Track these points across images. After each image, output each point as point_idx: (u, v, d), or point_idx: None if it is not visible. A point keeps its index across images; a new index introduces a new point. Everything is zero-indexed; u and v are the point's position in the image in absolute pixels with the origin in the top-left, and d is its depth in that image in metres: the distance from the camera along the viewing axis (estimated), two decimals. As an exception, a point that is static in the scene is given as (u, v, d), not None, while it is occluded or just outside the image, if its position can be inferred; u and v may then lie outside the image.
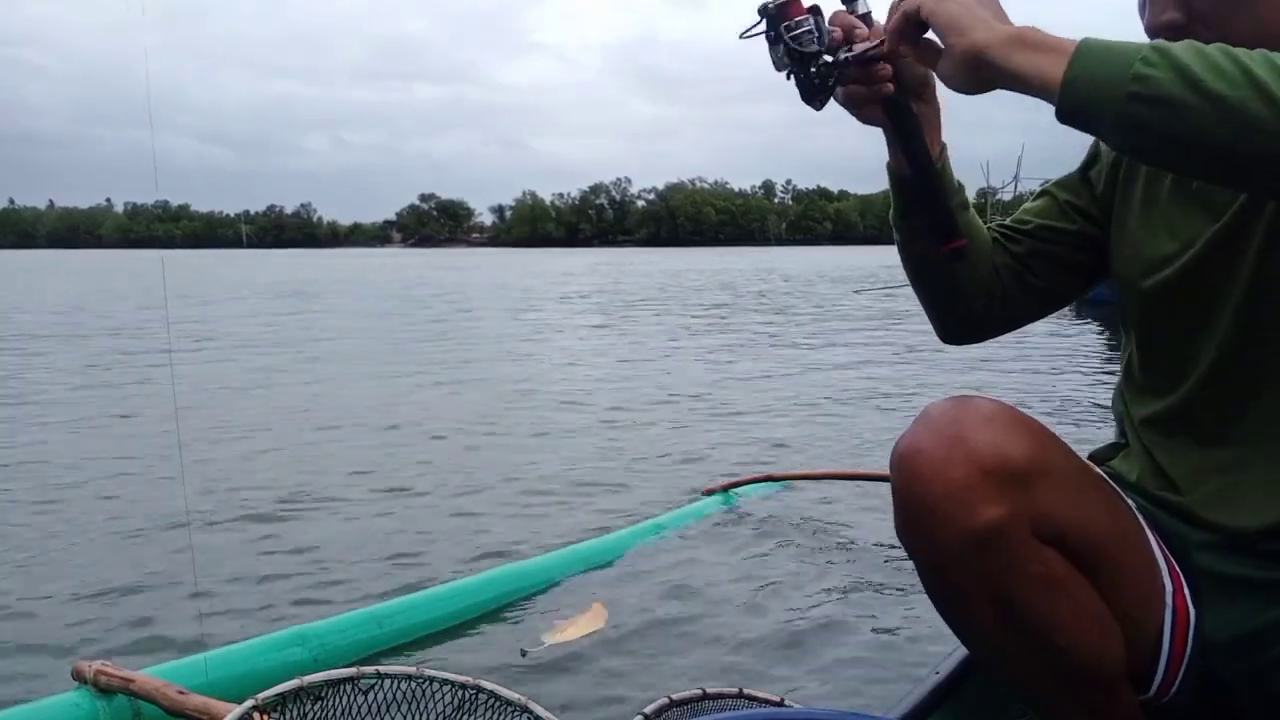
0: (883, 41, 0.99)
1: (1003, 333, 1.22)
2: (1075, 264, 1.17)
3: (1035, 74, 0.84)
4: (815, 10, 1.00)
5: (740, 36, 1.02)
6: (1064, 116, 0.84)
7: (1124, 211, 1.11)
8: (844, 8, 1.02)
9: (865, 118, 1.05)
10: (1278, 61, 0.77)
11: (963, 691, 1.37)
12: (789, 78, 1.01)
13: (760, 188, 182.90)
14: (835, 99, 1.03)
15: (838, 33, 1.00)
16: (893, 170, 1.10)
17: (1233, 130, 0.76)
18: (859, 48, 1.00)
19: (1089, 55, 0.82)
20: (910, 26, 0.95)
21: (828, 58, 1.00)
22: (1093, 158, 1.18)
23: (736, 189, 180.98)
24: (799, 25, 0.99)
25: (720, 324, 11.56)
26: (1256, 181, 0.82)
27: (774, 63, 1.01)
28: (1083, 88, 0.82)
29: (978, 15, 0.88)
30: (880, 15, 1.02)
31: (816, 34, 0.99)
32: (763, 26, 1.00)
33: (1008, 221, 1.20)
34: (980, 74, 0.88)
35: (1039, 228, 1.17)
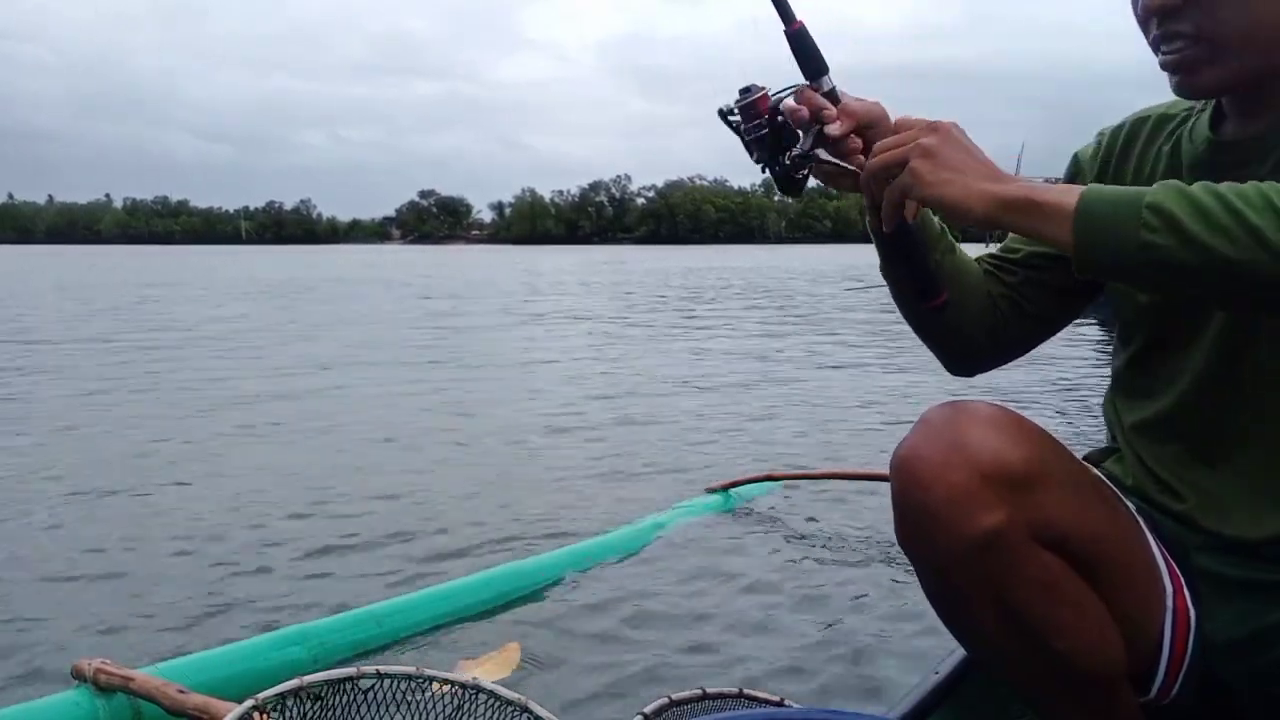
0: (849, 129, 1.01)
1: (1008, 361, 1.23)
2: (1070, 286, 1.16)
3: (1046, 237, 0.86)
4: (776, 110, 1.01)
5: (720, 116, 1.03)
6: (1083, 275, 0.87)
7: None
8: (808, 84, 1.02)
9: (840, 187, 1.06)
10: (1275, 202, 0.77)
11: (963, 691, 1.37)
12: (763, 170, 1.02)
13: (760, 186, 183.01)
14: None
15: (803, 112, 1.01)
16: (871, 228, 1.10)
17: (1242, 285, 0.80)
18: (831, 129, 1.01)
19: (1091, 222, 0.83)
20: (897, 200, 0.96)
21: (799, 149, 1.01)
22: (1073, 176, 1.18)
23: (736, 187, 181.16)
24: (762, 129, 1.01)
25: (720, 323, 11.55)
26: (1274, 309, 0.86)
27: (748, 152, 1.02)
28: (1095, 255, 0.84)
29: (971, 189, 0.88)
30: (844, 86, 1.03)
31: (783, 134, 1.01)
32: (737, 116, 1.02)
33: (997, 250, 1.20)
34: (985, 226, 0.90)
35: (1029, 255, 1.17)
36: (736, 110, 1.02)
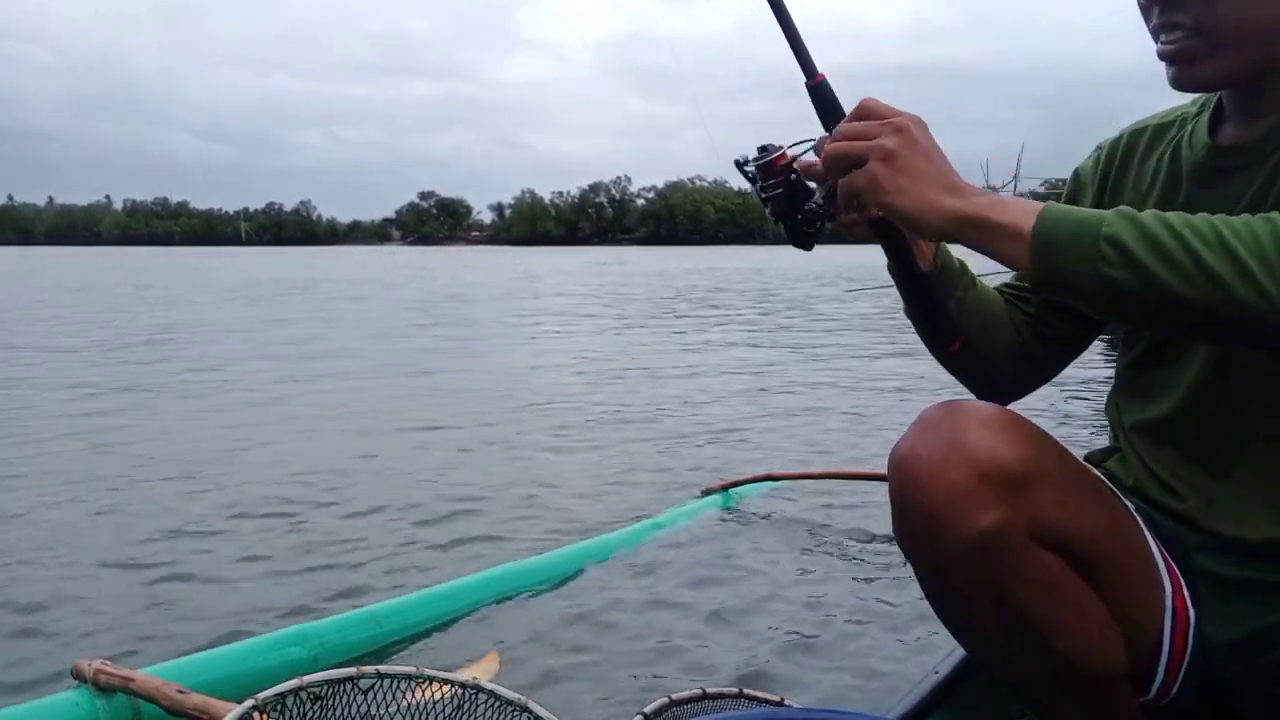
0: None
1: (1039, 385, 1.22)
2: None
3: (1003, 258, 0.86)
4: (790, 168, 1.01)
5: (736, 166, 1.03)
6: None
7: None
8: (826, 136, 1.00)
9: (856, 237, 1.06)
10: (1229, 242, 0.78)
11: (963, 691, 1.37)
12: (775, 223, 1.02)
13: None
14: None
15: (818, 166, 0.99)
16: (890, 271, 1.10)
17: (1195, 319, 0.81)
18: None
19: (1048, 251, 0.83)
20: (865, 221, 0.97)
21: (811, 204, 1.01)
22: (1074, 191, 1.18)
23: (736, 188, 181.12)
24: (776, 188, 1.00)
25: (720, 323, 11.55)
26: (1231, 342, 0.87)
27: (762, 204, 1.02)
28: (1051, 281, 0.84)
29: (929, 202, 0.87)
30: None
31: (797, 189, 1.01)
32: (751, 169, 1.02)
33: (1013, 280, 1.20)
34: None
35: None
36: (753, 166, 1.02)
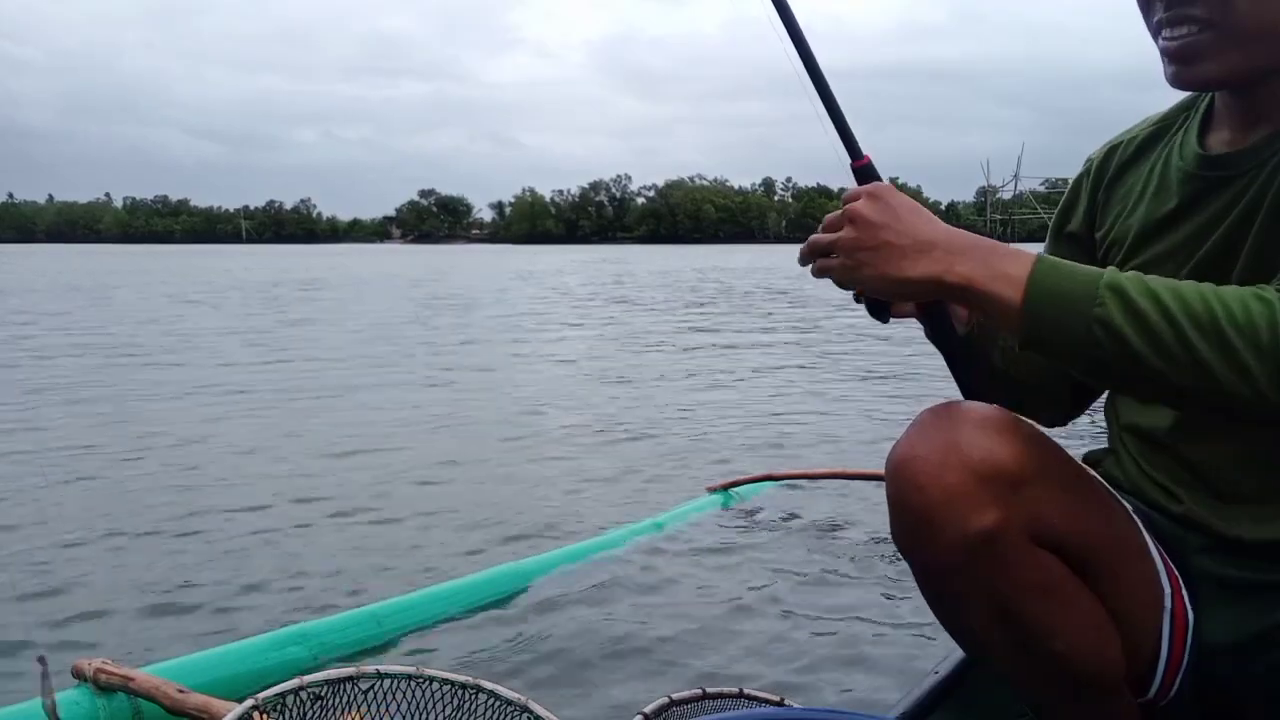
0: None
1: (1089, 404, 1.22)
2: None
3: (992, 322, 0.89)
4: None
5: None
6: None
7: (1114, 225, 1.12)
8: None
9: (899, 315, 1.07)
10: (1224, 329, 0.78)
11: (962, 691, 1.37)
12: (857, 300, 1.03)
13: (760, 185, 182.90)
14: None
15: None
16: (926, 335, 1.11)
17: (1184, 400, 0.84)
18: None
19: (1038, 326, 0.85)
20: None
21: None
22: (1069, 204, 1.18)
23: (736, 186, 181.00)
24: None
25: (719, 322, 11.55)
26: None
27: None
28: (1041, 350, 0.86)
29: (905, 278, 0.89)
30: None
31: None
32: None
33: None
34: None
35: None
36: None
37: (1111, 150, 1.15)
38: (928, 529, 0.88)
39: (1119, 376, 0.84)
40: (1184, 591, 1.00)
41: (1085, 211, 1.16)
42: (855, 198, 0.93)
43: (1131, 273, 0.84)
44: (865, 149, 1.00)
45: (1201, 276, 0.98)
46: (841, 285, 0.94)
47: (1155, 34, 0.97)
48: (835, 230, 0.93)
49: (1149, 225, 1.06)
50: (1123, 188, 1.12)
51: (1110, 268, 0.85)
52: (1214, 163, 1.01)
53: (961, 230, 0.91)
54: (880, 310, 1.04)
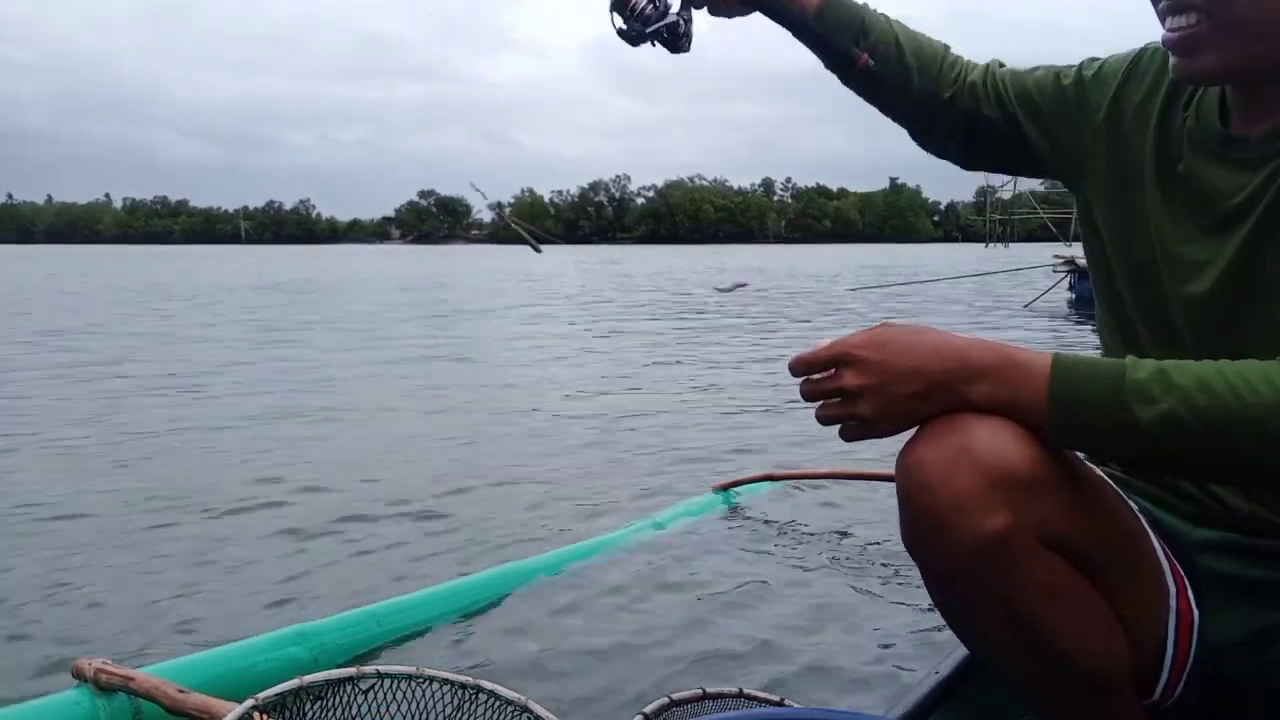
0: None
1: (988, 156, 1.26)
2: (1020, 156, 1.22)
3: (1027, 420, 0.88)
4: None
5: (618, 34, 1.09)
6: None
7: (1113, 205, 1.11)
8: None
9: (718, 10, 1.14)
10: (1249, 403, 0.80)
11: (963, 691, 1.37)
12: (652, 44, 1.09)
13: (760, 185, 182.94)
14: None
15: None
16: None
17: (1217, 476, 0.91)
18: None
19: (1066, 432, 0.87)
20: None
21: (674, 8, 1.09)
22: (1090, 76, 1.15)
23: (736, 186, 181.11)
24: (641, 6, 1.08)
25: (720, 322, 11.55)
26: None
27: (629, 38, 1.08)
28: (1079, 449, 0.91)
29: (920, 413, 0.89)
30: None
31: (658, 4, 1.08)
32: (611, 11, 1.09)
33: (1006, 81, 1.20)
34: None
35: (1019, 97, 1.19)
36: (622, 17, 1.08)
37: (1114, 71, 1.12)
38: (938, 531, 0.88)
39: (1159, 469, 0.88)
40: (1189, 590, 1.00)
41: (1055, 123, 1.16)
42: (845, 350, 0.91)
43: (1151, 365, 0.84)
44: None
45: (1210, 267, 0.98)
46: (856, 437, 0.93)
47: (1161, 21, 0.96)
48: (835, 384, 0.91)
49: (1163, 209, 1.05)
50: (1127, 121, 1.10)
51: (1130, 358, 0.85)
52: (1231, 143, 0.99)
53: (961, 344, 0.89)
54: (682, 38, 1.10)
